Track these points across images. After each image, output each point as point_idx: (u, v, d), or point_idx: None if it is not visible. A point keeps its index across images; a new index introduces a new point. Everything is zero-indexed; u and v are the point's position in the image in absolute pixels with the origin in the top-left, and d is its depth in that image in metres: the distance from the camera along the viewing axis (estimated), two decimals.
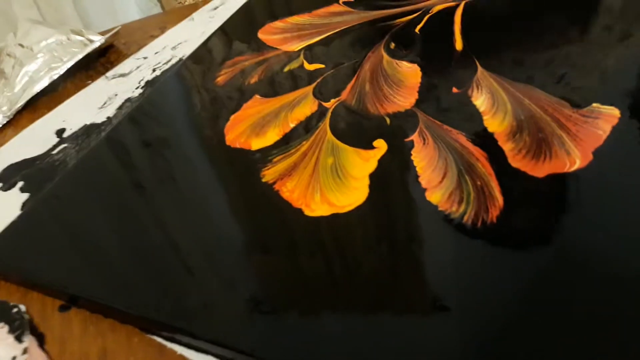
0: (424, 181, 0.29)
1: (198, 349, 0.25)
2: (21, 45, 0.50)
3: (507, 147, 0.29)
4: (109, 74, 0.49)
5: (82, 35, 0.52)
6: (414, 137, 0.32)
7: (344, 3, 0.48)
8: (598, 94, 0.32)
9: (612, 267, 0.23)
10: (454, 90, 0.34)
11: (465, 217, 0.26)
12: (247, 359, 0.23)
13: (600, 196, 0.26)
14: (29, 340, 0.27)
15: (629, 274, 0.22)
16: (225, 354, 0.24)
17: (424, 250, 0.26)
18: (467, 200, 0.27)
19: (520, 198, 0.27)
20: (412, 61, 0.38)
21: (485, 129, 0.31)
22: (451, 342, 0.21)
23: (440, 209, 0.27)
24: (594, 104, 0.31)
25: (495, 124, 0.31)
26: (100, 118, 0.43)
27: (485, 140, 0.30)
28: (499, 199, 0.27)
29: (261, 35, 0.46)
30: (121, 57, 0.52)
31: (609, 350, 0.20)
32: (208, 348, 0.25)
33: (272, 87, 0.39)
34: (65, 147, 0.40)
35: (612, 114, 0.30)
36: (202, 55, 0.45)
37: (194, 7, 0.59)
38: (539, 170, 0.28)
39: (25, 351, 0.26)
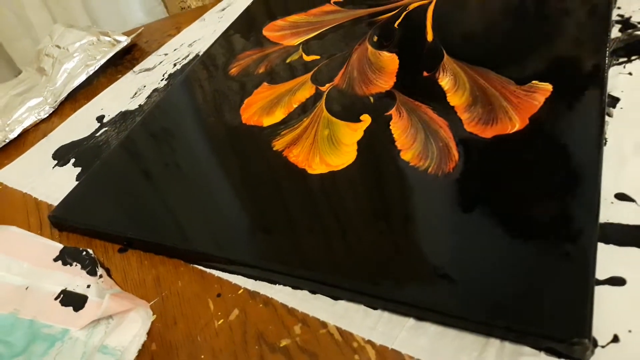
0: (399, 145, 0.37)
1: (230, 272, 0.33)
2: (58, 46, 0.58)
3: (464, 116, 0.38)
4: (136, 68, 0.57)
5: (110, 36, 0.60)
6: (392, 111, 0.40)
7: (335, 3, 0.56)
8: (537, 73, 0.40)
9: (536, 196, 0.31)
10: (425, 74, 0.42)
11: (430, 169, 0.35)
12: (261, 272, 0.32)
13: (533, 151, 0.34)
14: (101, 270, 0.35)
15: (550, 204, 0.31)
16: (248, 272, 0.32)
17: (398, 193, 0.34)
18: (432, 157, 0.35)
19: (471, 154, 0.35)
20: (391, 51, 0.46)
21: (447, 104, 0.39)
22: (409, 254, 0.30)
23: (411, 164, 0.35)
24: (534, 81, 0.39)
25: (456, 99, 0.39)
26: (133, 106, 0.51)
27: (447, 112, 0.38)
28: (455, 155, 0.35)
29: (265, 32, 0.54)
30: (144, 54, 0.60)
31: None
32: (237, 270, 0.33)
33: (277, 75, 0.47)
34: (106, 130, 0.49)
35: (546, 88, 0.38)
36: (217, 51, 0.53)
37: (203, 9, 0.67)
38: (487, 132, 0.36)
39: (101, 276, 0.34)
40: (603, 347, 0.25)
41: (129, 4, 1.27)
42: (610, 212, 0.31)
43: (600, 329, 0.26)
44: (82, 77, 0.55)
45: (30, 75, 0.59)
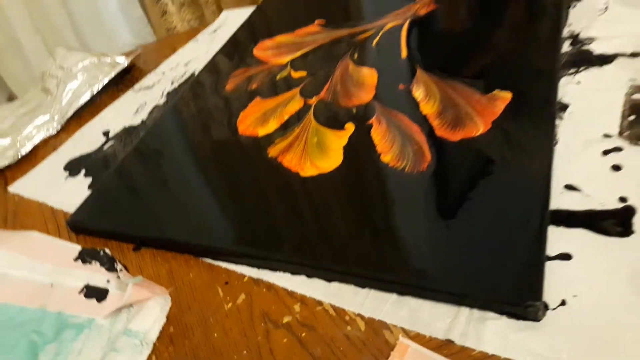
0: (379, 149, 0.42)
1: (236, 262, 0.38)
2: (61, 67, 0.62)
3: (435, 123, 0.43)
4: (136, 87, 0.62)
5: (109, 57, 0.64)
6: (373, 120, 0.45)
7: (318, 24, 0.61)
8: (499, 84, 0.45)
9: (496, 188, 0.36)
10: (400, 86, 0.48)
11: (407, 169, 0.40)
12: (263, 262, 0.36)
13: (495, 150, 0.40)
14: (120, 266, 0.39)
15: (509, 194, 0.36)
16: (252, 262, 0.37)
17: (380, 190, 0.39)
18: (408, 158, 0.41)
19: (441, 154, 0.40)
20: (370, 67, 0.52)
21: (420, 112, 0.45)
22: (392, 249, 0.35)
23: (390, 165, 0.41)
24: (495, 91, 0.45)
25: (427, 108, 0.45)
26: (136, 121, 0.56)
27: (420, 119, 0.44)
28: (428, 156, 0.40)
29: (256, 52, 0.59)
30: (143, 73, 0.65)
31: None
32: (241, 260, 0.38)
33: (269, 90, 0.52)
34: (112, 144, 0.53)
35: (506, 97, 0.44)
36: (212, 70, 0.58)
37: (195, 31, 0.73)
38: (455, 136, 0.42)
39: (121, 269, 0.39)
40: (553, 309, 0.31)
41: (117, 26, 1.31)
42: (561, 200, 0.36)
43: (552, 295, 0.31)
44: (87, 96, 0.60)
45: (35, 96, 0.63)
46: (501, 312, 0.31)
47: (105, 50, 1.23)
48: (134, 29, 1.35)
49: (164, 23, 1.31)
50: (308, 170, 0.42)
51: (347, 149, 0.43)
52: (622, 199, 0.36)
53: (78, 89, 0.60)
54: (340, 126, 0.45)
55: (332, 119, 0.47)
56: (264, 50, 0.59)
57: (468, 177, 0.38)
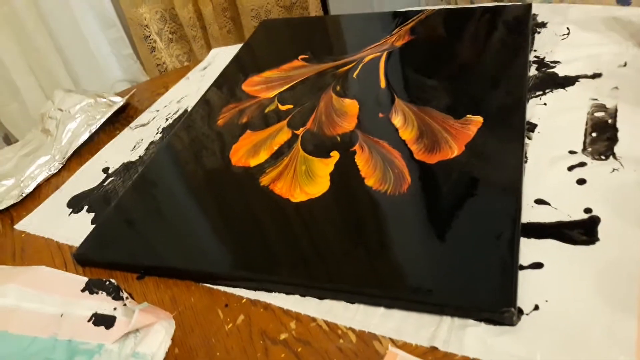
0: (363, 173, 0.46)
1: (234, 286, 0.41)
2: (60, 109, 0.65)
3: (413, 147, 0.47)
4: (132, 125, 0.65)
5: (105, 98, 0.68)
6: (356, 147, 0.48)
7: (302, 59, 0.65)
8: (471, 109, 0.49)
9: (471, 205, 0.40)
10: (380, 115, 0.51)
11: (389, 191, 0.43)
12: (260, 284, 0.39)
13: (469, 170, 0.43)
14: (126, 294, 0.42)
15: (483, 210, 0.39)
16: (249, 284, 0.40)
17: (365, 212, 0.43)
18: (390, 181, 0.44)
19: (420, 177, 0.44)
20: (351, 98, 0.55)
21: (400, 138, 0.48)
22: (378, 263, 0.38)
23: (374, 188, 0.44)
24: (468, 115, 0.48)
25: (406, 134, 0.48)
26: (134, 157, 0.59)
27: (400, 145, 0.47)
28: (408, 179, 0.44)
29: (245, 87, 0.63)
30: (138, 111, 0.68)
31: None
32: (239, 284, 0.40)
33: (259, 123, 0.56)
34: (112, 180, 0.56)
35: (478, 120, 0.48)
36: (204, 106, 0.61)
37: (185, 69, 0.76)
38: (433, 159, 0.45)
39: (127, 297, 0.41)
40: (527, 314, 0.34)
41: (108, 63, 1.35)
42: (531, 214, 0.40)
43: (525, 301, 0.34)
44: (85, 135, 0.63)
45: (36, 137, 0.66)
46: (479, 319, 0.34)
47: (97, 87, 1.27)
48: (123, 66, 1.39)
49: (153, 59, 1.36)
50: (298, 196, 0.45)
51: (333, 175, 0.46)
52: (587, 210, 0.39)
53: (77, 129, 0.63)
54: (326, 154, 0.49)
55: (318, 147, 0.50)
56: (252, 85, 0.63)
57: (445, 196, 0.41)
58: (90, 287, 0.44)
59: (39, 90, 1.27)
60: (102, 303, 0.42)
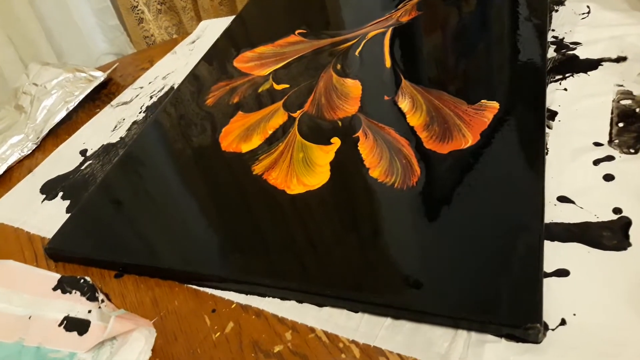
0: (367, 163, 0.41)
1: (222, 288, 0.37)
2: (35, 84, 0.60)
3: (422, 135, 0.42)
4: (113, 102, 0.60)
5: (85, 72, 0.62)
6: (359, 134, 0.44)
7: (299, 34, 0.60)
8: (486, 93, 0.45)
9: (489, 203, 0.36)
10: (385, 97, 0.47)
11: (396, 184, 0.39)
12: (251, 287, 0.35)
13: (485, 163, 0.39)
14: (102, 295, 0.38)
15: (502, 209, 0.35)
16: (239, 287, 0.36)
17: (370, 208, 0.38)
18: (397, 173, 0.40)
19: (431, 168, 0.39)
20: (354, 78, 0.50)
21: (407, 124, 0.43)
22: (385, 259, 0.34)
23: (379, 180, 0.40)
24: (482, 100, 0.44)
25: (414, 120, 0.44)
26: (114, 139, 0.54)
27: (407, 132, 0.43)
28: (417, 170, 0.39)
29: (236, 63, 0.58)
30: (120, 88, 0.63)
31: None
32: (229, 286, 0.36)
33: (251, 104, 0.51)
34: (90, 163, 0.51)
35: (494, 106, 0.43)
36: (192, 83, 0.56)
37: (173, 42, 0.71)
38: (444, 148, 0.41)
39: (103, 300, 0.37)
40: (553, 330, 0.30)
41: (92, 35, 1.29)
42: (554, 212, 0.36)
43: (551, 315, 0.30)
44: (62, 113, 0.58)
45: (8, 114, 0.61)
46: (500, 334, 0.30)
47: (82, 60, 1.21)
48: (109, 38, 1.32)
49: (140, 31, 1.29)
50: (295, 187, 0.41)
51: (334, 164, 0.42)
52: (616, 210, 0.35)
53: (53, 106, 0.58)
54: (326, 140, 0.44)
55: (317, 133, 0.45)
56: (244, 61, 0.58)
57: (459, 192, 0.37)
58: (63, 286, 0.40)
59: (19, 63, 1.21)
60: (76, 304, 0.38)
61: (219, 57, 0.60)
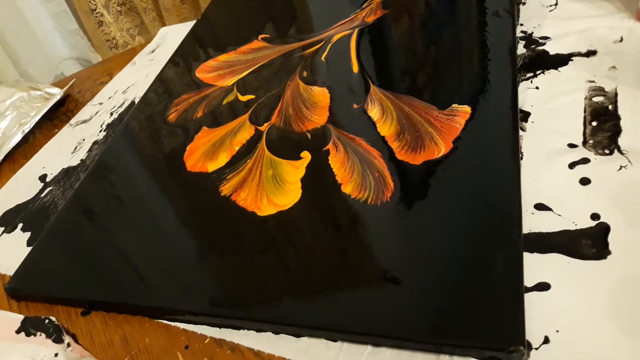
0: (339, 178, 0.40)
1: (194, 323, 0.35)
2: None
3: (394, 145, 0.41)
4: (72, 121, 0.58)
5: (40, 90, 0.59)
6: (329, 146, 0.42)
7: (262, 39, 0.58)
8: (456, 96, 0.43)
9: (464, 216, 0.34)
10: (355, 106, 0.45)
11: (369, 200, 0.37)
12: (225, 320, 0.34)
13: (459, 173, 0.38)
14: (68, 338, 0.36)
15: (479, 223, 0.34)
16: (212, 320, 0.34)
17: (344, 226, 0.37)
18: (370, 188, 0.38)
19: (405, 181, 0.38)
20: (321, 85, 0.49)
21: (378, 134, 0.42)
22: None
23: (352, 196, 0.38)
24: (454, 105, 0.43)
25: (385, 129, 0.42)
26: (75, 161, 0.51)
27: (378, 142, 0.41)
28: (391, 184, 0.38)
29: (198, 74, 0.56)
30: (79, 105, 0.60)
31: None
32: (201, 320, 0.35)
33: (216, 118, 0.49)
34: (51, 190, 0.49)
35: (465, 111, 0.42)
36: (152, 98, 0.54)
37: (132, 52, 0.68)
38: (417, 159, 0.39)
39: (69, 345, 0.35)
40: (537, 349, 0.29)
41: (51, 40, 1.24)
42: (532, 222, 0.35)
43: (534, 332, 0.29)
44: (18, 137, 0.55)
45: None
46: (483, 358, 0.29)
47: (41, 67, 1.16)
48: (69, 43, 1.28)
49: (101, 34, 1.25)
50: (265, 208, 0.39)
51: (305, 181, 0.40)
52: (594, 216, 0.34)
53: (7, 129, 0.55)
54: (296, 155, 0.42)
55: (286, 147, 0.44)
56: (207, 71, 0.56)
57: (434, 206, 0.36)
58: (27, 328, 0.37)
59: None
60: (41, 348, 0.36)
61: (179, 68, 0.58)
